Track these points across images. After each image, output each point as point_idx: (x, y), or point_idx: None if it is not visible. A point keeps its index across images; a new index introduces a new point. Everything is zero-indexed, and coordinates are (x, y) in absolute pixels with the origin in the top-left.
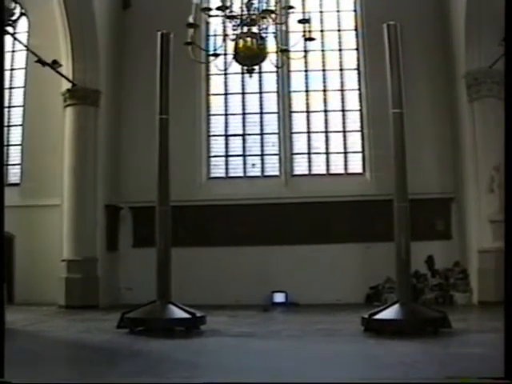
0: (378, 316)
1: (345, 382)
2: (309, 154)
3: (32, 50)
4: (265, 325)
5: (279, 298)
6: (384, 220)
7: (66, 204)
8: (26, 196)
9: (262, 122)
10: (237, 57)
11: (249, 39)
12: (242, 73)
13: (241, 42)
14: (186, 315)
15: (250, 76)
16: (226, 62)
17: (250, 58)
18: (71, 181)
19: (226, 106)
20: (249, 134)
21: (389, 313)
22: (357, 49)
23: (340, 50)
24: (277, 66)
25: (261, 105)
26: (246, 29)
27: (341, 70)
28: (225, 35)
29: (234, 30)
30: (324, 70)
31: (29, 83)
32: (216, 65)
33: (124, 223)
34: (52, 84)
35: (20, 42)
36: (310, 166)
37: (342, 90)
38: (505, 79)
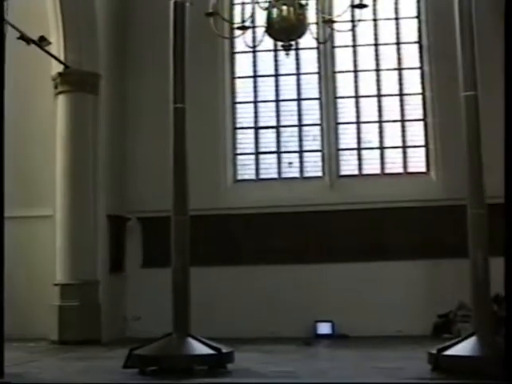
0: (450, 352)
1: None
2: (359, 149)
3: (12, 24)
4: (307, 363)
5: (324, 328)
6: (455, 231)
7: (59, 215)
8: (9, 205)
9: (300, 110)
10: (270, 30)
11: (285, 7)
12: (276, 50)
13: (275, 12)
14: (209, 351)
15: (287, 54)
16: (255, 37)
17: (286, 30)
18: (65, 186)
19: (255, 92)
20: (284, 126)
21: (463, 348)
22: (418, 17)
23: (397, 18)
24: (319, 41)
25: (298, 89)
26: None
27: (398, 43)
28: (255, 3)
29: None
30: (377, 45)
31: (9, 66)
32: (244, 40)
33: (131, 238)
34: (39, 67)
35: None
36: (360, 165)
37: (399, 69)
38: (505, 78)
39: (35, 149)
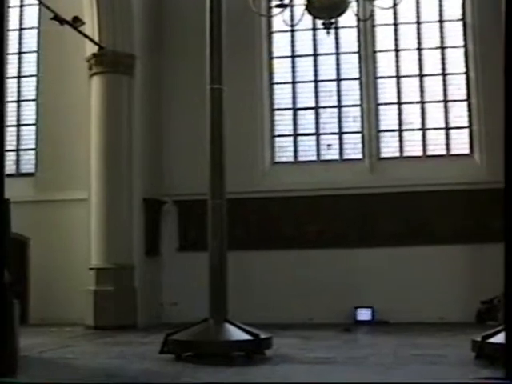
0: (494, 339)
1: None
2: (400, 130)
3: (46, 4)
4: (346, 349)
5: (364, 315)
6: (500, 214)
7: (94, 198)
8: (43, 188)
9: (339, 91)
10: (310, 7)
11: None
12: (315, 28)
13: None
14: (246, 337)
15: (328, 32)
16: (293, 15)
17: (327, 8)
18: (100, 169)
19: (293, 72)
20: (323, 107)
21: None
22: None
23: None
24: (359, 19)
25: (338, 69)
26: None
27: (441, 21)
28: None
29: None
30: (419, 23)
31: (43, 47)
32: (282, 19)
33: (167, 221)
34: (73, 48)
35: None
36: (401, 147)
37: (442, 48)
38: (504, 78)
39: (69, 131)
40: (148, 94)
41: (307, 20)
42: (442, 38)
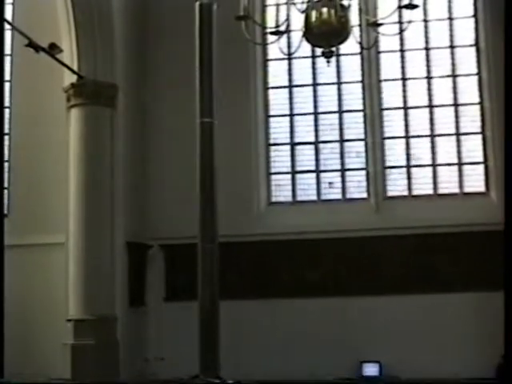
0: None
1: None
2: (408, 167)
3: (20, 30)
4: None
5: (371, 370)
6: None
7: (72, 242)
8: (17, 232)
9: (341, 124)
10: (308, 35)
11: (325, 9)
12: (314, 56)
13: (313, 14)
14: None
15: (328, 62)
16: (291, 43)
17: (326, 35)
18: (79, 210)
19: (291, 104)
20: (324, 142)
21: None
22: (475, 16)
23: (450, 18)
24: (362, 46)
25: (340, 101)
26: None
27: (452, 47)
28: (290, 3)
29: None
30: (428, 49)
31: (17, 76)
32: (278, 46)
33: (153, 267)
34: (50, 77)
35: (4, 19)
36: (410, 184)
37: (453, 76)
38: (504, 78)
39: (46, 168)
40: (132, 128)
41: (306, 47)
42: (453, 65)
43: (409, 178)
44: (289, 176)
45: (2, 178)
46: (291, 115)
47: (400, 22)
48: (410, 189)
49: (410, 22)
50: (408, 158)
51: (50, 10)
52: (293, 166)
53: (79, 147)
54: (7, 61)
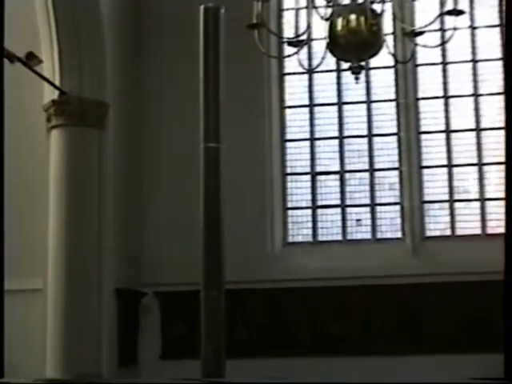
0: None
1: None
2: (451, 201)
3: None
4: None
5: None
6: None
7: (51, 288)
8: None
9: (371, 150)
10: (333, 46)
11: (353, 16)
12: (339, 70)
13: (339, 22)
14: None
15: (356, 79)
16: (311, 55)
17: (355, 47)
18: (60, 250)
19: (311, 126)
20: (350, 171)
21: None
22: None
23: (502, 25)
24: (397, 59)
25: (369, 123)
26: None
27: (504, 59)
28: (312, 7)
29: (327, 0)
30: (475, 62)
31: None
32: (298, 59)
33: (147, 319)
34: (27, 93)
35: None
36: (453, 222)
37: (505, 94)
38: (504, 78)
39: (21, 202)
40: (123, 154)
41: (330, 59)
42: (506, 80)
43: (452, 214)
44: (309, 211)
45: None
46: (312, 139)
47: (442, 30)
48: (453, 227)
49: (454, 29)
50: (450, 191)
51: (28, 15)
52: (314, 199)
53: (61, 176)
54: None
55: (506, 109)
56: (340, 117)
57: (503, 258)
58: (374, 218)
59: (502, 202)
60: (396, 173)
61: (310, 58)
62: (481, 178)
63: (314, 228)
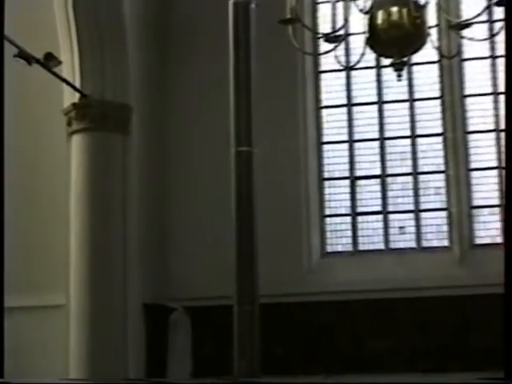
0: None
1: None
2: (502, 206)
3: (9, 38)
4: None
5: None
6: None
7: (74, 304)
8: (6, 292)
9: (414, 152)
10: (373, 42)
11: (395, 8)
12: (380, 67)
13: (380, 14)
14: None
15: (399, 76)
16: (349, 50)
17: (397, 41)
18: (83, 264)
19: (350, 127)
20: (393, 175)
21: None
22: None
23: None
24: (442, 54)
25: (412, 122)
26: None
27: None
28: (350, 0)
29: None
30: None
31: (6, 97)
32: (335, 55)
33: (177, 336)
34: (46, 96)
35: None
36: None
37: None
38: (505, 78)
39: (40, 212)
40: (148, 160)
41: (369, 55)
42: None
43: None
44: (348, 219)
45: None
46: (351, 142)
47: (490, 22)
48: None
49: (504, 20)
50: (502, 195)
51: (46, 14)
52: (353, 205)
53: (83, 184)
54: None
55: None
56: (381, 117)
57: None
58: (418, 225)
59: None
60: (442, 176)
61: (347, 55)
62: None
63: (354, 237)
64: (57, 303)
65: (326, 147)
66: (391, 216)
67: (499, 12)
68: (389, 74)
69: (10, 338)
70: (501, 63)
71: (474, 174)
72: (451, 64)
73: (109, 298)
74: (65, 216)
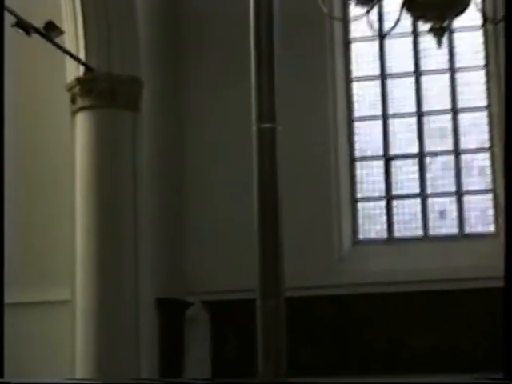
0: None
1: None
2: None
3: (6, 6)
4: None
5: None
6: None
7: (79, 299)
8: (7, 286)
9: (456, 128)
10: (410, 4)
11: None
12: (417, 34)
13: None
14: None
15: (439, 42)
16: (383, 15)
17: (436, 4)
18: (90, 256)
19: (384, 102)
20: (432, 154)
21: None
22: None
23: None
24: (486, 18)
25: (453, 95)
26: None
27: None
28: None
29: None
30: None
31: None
32: (368, 21)
33: (194, 333)
34: (48, 70)
35: None
36: None
37: None
38: (505, 77)
39: (43, 198)
40: (161, 140)
41: (405, 20)
42: None
43: None
44: (382, 203)
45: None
46: (385, 117)
47: None
48: None
49: None
50: None
51: None
52: (388, 188)
53: (88, 168)
54: None
55: None
56: (418, 89)
57: None
58: (461, 210)
59: None
60: (487, 155)
61: (381, 20)
62: None
63: (389, 223)
64: (62, 298)
65: (357, 124)
66: (430, 200)
67: None
68: (427, 41)
69: (12, 336)
70: None
71: None
72: (497, 30)
73: (118, 292)
74: (70, 203)
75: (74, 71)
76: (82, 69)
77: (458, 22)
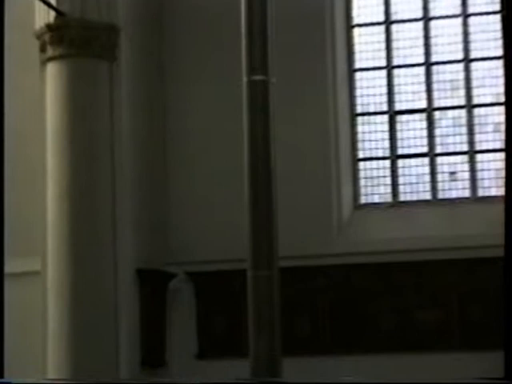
0: None
1: None
2: None
3: None
4: None
5: None
6: None
7: (51, 270)
8: None
9: (468, 80)
10: None
11: None
12: None
13: None
14: None
15: None
16: None
17: None
18: (62, 222)
19: (388, 50)
20: (441, 109)
21: None
22: None
23: None
24: None
25: (466, 44)
26: None
27: None
28: None
29: None
30: None
31: None
32: None
33: (178, 307)
34: (14, 15)
35: None
36: None
37: None
38: (505, 76)
39: (11, 160)
40: (141, 93)
41: None
42: None
43: None
44: (387, 163)
45: None
46: (389, 68)
47: None
48: None
49: None
50: None
51: None
52: (393, 146)
53: (61, 124)
54: None
55: None
56: (426, 37)
57: None
58: (473, 170)
59: None
60: (502, 109)
61: None
62: None
63: (394, 185)
64: (32, 269)
65: (358, 75)
66: (439, 159)
67: None
68: None
69: None
70: None
71: None
72: None
73: (94, 263)
74: (40, 164)
75: (43, 17)
76: (52, 14)
77: None
